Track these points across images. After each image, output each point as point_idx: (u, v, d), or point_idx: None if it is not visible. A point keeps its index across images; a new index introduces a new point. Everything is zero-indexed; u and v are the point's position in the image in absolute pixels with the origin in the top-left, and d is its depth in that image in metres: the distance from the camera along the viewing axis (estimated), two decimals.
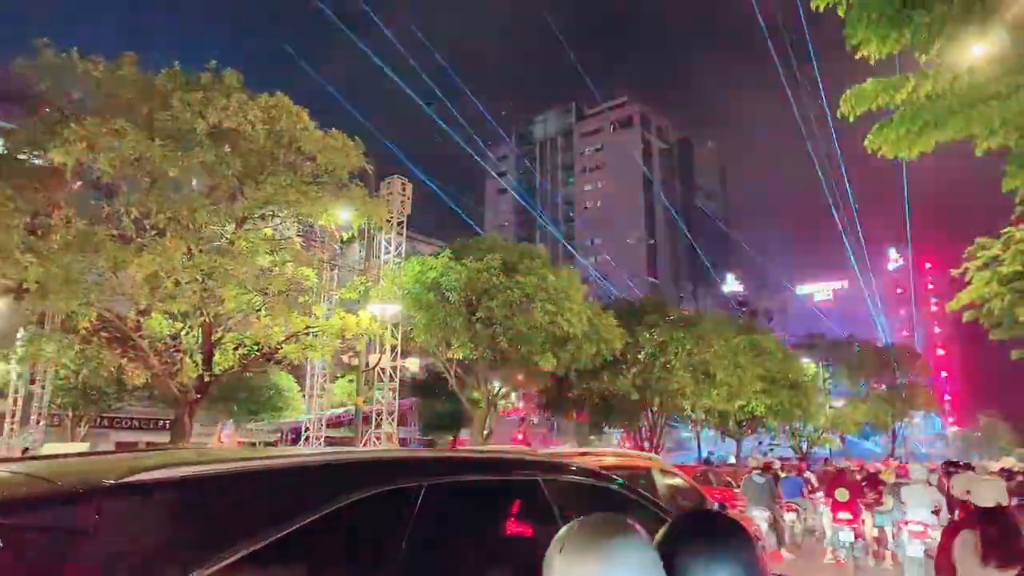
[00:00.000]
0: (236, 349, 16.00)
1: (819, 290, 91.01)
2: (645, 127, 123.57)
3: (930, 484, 10.28)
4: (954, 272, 24.89)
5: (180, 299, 13.56)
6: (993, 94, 7.50)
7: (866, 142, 8.55)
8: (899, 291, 76.66)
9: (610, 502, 2.78)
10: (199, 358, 14.71)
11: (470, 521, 2.20)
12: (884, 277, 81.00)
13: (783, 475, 16.79)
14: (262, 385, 41.89)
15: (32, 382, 25.90)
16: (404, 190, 20.60)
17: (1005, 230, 23.24)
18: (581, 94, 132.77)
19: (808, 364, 46.98)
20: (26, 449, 19.92)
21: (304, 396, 49.14)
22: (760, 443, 47.41)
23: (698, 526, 1.69)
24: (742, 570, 1.52)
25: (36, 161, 13.60)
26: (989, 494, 4.46)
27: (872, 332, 64.60)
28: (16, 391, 26.56)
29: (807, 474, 18.24)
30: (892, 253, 79.41)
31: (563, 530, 1.47)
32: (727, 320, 32.80)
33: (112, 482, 1.38)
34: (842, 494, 12.05)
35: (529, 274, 19.61)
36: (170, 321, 15.13)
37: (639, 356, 25.78)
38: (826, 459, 34.58)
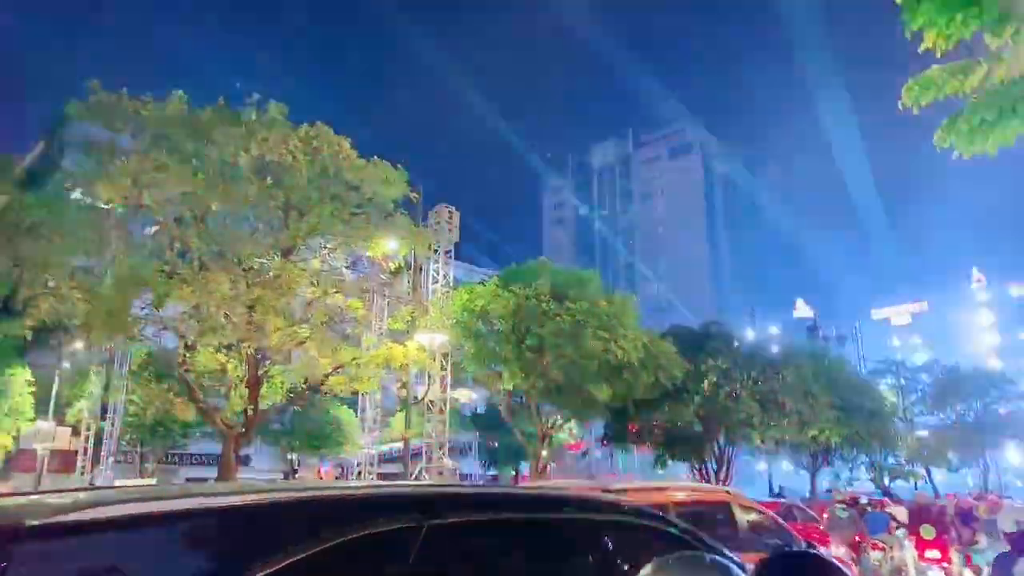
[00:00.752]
0: (283, 383, 15.92)
1: (897, 314, 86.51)
2: (705, 152, 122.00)
3: None
4: None
5: (224, 331, 13.52)
6: None
7: (936, 138, 7.72)
8: (985, 313, 72.16)
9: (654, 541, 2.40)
10: (244, 392, 14.60)
11: (484, 567, 1.93)
12: (968, 298, 76.48)
13: (869, 510, 15.56)
14: (323, 420, 42.24)
15: (103, 419, 26.64)
16: (451, 219, 20.40)
17: None
18: (638, 121, 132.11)
19: (886, 391, 44.39)
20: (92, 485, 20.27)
21: (363, 430, 49.65)
22: (838, 476, 44.86)
23: (790, 567, 1.62)
24: None
25: (87, 200, 13.91)
26: None
27: (956, 357, 60.69)
28: (88, 428, 27.36)
29: (892, 509, 16.75)
30: (975, 272, 74.96)
31: (647, 570, 1.48)
32: (795, 347, 31.15)
33: (29, 524, 1.29)
34: (927, 531, 11.50)
35: (580, 300, 18.97)
36: (218, 355, 15.15)
37: (702, 385, 24.61)
38: (933, 495, 32.18)
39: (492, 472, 62.28)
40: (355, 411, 48.28)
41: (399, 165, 15.57)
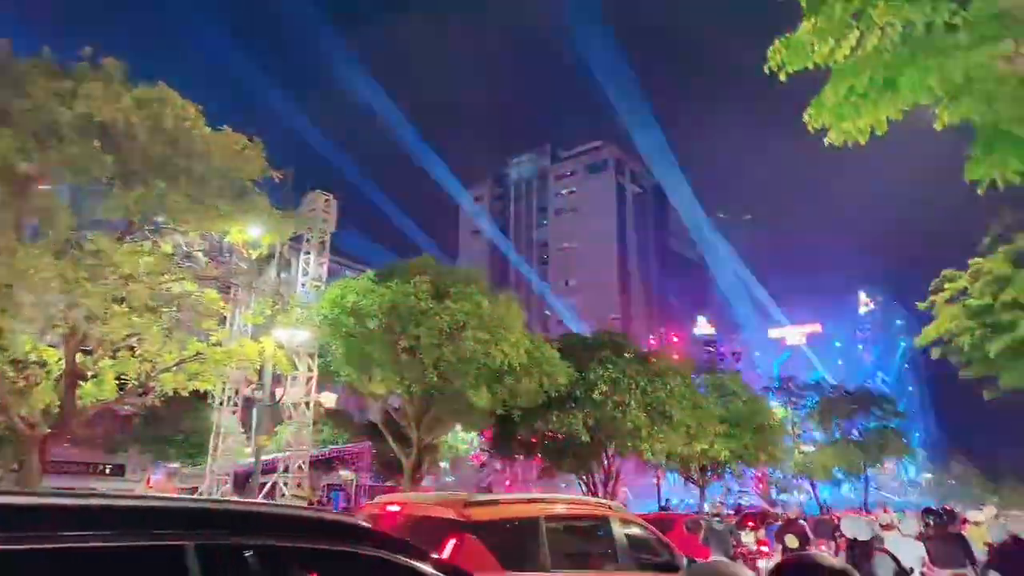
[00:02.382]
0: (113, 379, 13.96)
1: (791, 334, 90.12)
2: (619, 171, 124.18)
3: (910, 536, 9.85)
4: (921, 305, 23.57)
5: (31, 310, 11.59)
6: (952, 44, 6.00)
7: (806, 117, 6.96)
8: (868, 333, 75.91)
9: None
10: (51, 384, 12.60)
11: None
12: (856, 320, 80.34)
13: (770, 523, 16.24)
14: (201, 427, 39.34)
15: None
16: (328, 206, 18.83)
17: (973, 261, 22.06)
18: (556, 138, 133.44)
19: (777, 407, 45.41)
20: None
21: (248, 438, 46.74)
22: (729, 490, 45.43)
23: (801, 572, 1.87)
24: None
25: None
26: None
27: (843, 376, 63.33)
28: None
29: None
30: (862, 296, 78.84)
31: None
32: (688, 358, 31.08)
33: None
34: (791, 541, 11.60)
35: (461, 299, 17.81)
36: (31, 343, 13.10)
37: (591, 395, 23.88)
38: (827, 508, 32.70)
39: (390, 484, 60.24)
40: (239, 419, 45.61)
41: (255, 138, 14.01)
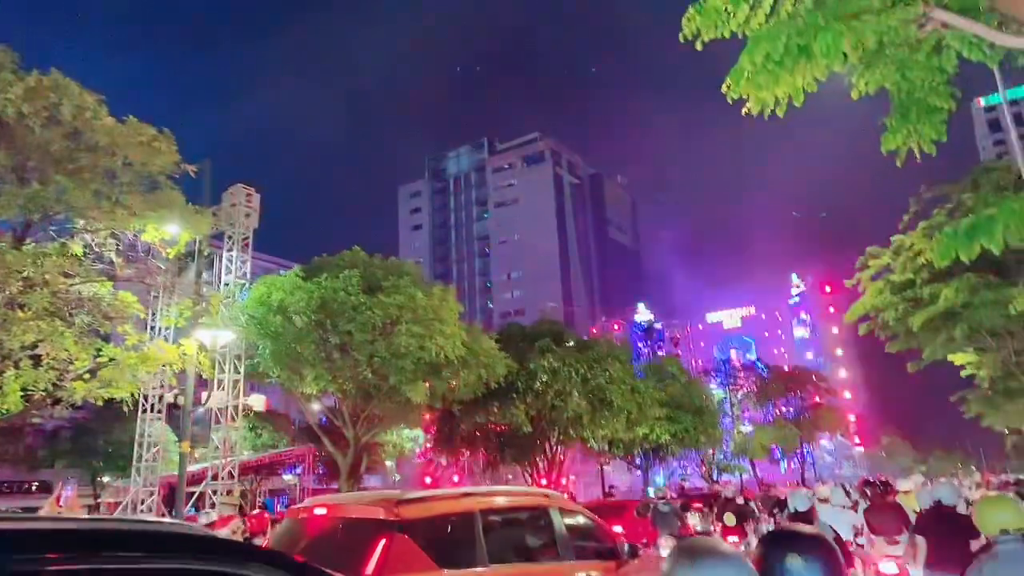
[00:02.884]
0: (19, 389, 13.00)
1: (727, 317, 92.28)
2: (556, 162, 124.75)
3: (844, 507, 10.40)
4: (848, 283, 24.25)
5: None
6: (866, 7, 5.93)
7: (724, 87, 6.81)
8: (803, 315, 78.27)
9: None
10: None
11: None
12: (789, 302, 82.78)
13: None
14: (129, 437, 37.59)
15: None
16: (250, 201, 18.03)
17: (895, 237, 22.77)
18: (494, 131, 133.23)
19: (715, 390, 46.33)
20: None
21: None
22: (672, 474, 46.13)
23: (786, 539, 1.94)
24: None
25: None
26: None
27: (778, 357, 65.21)
28: None
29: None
30: (794, 278, 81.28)
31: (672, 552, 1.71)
32: (626, 344, 31.28)
33: None
34: (729, 519, 11.96)
35: (394, 293, 17.33)
36: None
37: (532, 385, 23.73)
38: (767, 485, 33.36)
39: (336, 486, 58.99)
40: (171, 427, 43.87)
41: (165, 130, 13.23)
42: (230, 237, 17.49)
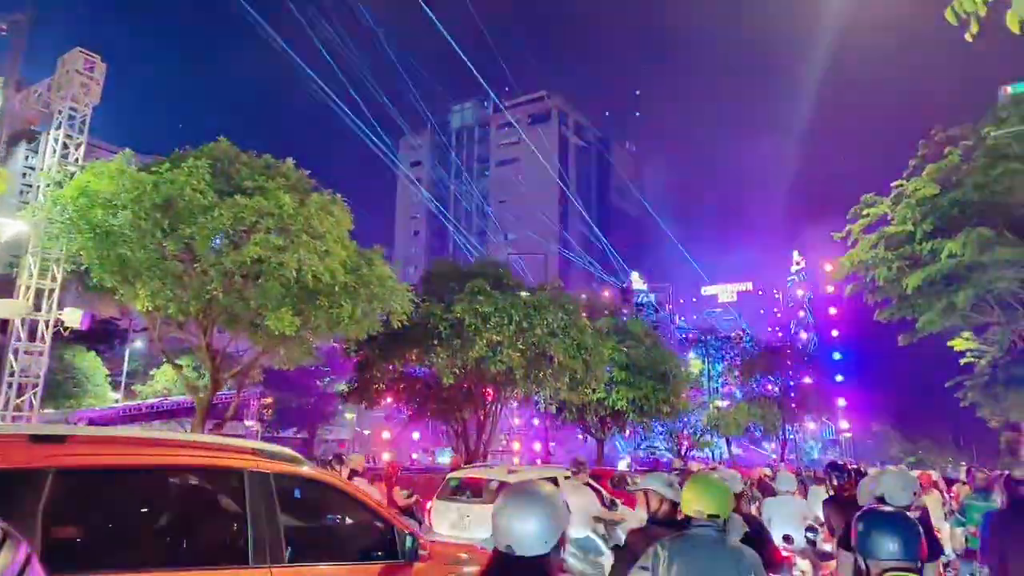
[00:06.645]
0: None
1: (724, 291, 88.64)
2: (563, 122, 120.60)
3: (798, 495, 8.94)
4: (836, 236, 20.61)
5: None
6: None
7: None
8: (800, 292, 74.60)
9: None
10: None
11: None
12: (787, 279, 79.04)
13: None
14: (53, 368, 34.60)
15: None
16: (93, 72, 14.46)
17: (896, 183, 19.10)
18: (501, 87, 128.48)
19: (693, 360, 43.02)
20: None
21: (119, 381, 41.98)
22: (638, 447, 43.09)
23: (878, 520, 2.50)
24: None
25: None
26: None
27: (771, 335, 61.75)
28: None
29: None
30: (795, 255, 77.38)
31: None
32: (577, 295, 27.78)
33: None
34: None
35: (256, 194, 13.84)
36: None
37: (461, 332, 20.36)
38: (737, 465, 30.22)
39: (287, 435, 56.21)
40: (102, 358, 40.75)
41: None
42: (60, 112, 13.95)
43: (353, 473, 9.83)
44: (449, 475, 12.61)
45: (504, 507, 2.15)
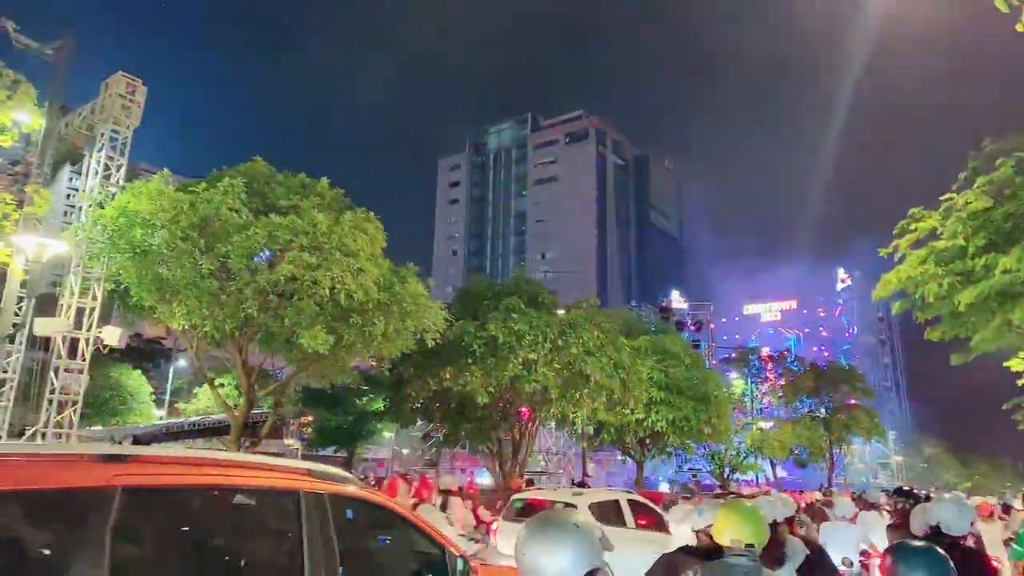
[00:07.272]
0: None
1: (767, 310, 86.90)
2: (600, 141, 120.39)
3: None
4: (882, 252, 19.89)
5: None
6: None
7: None
8: (847, 312, 72.65)
9: None
10: None
11: None
12: (833, 297, 77.14)
13: None
14: (100, 386, 35.39)
15: None
16: (134, 95, 14.82)
17: (945, 197, 18.40)
18: (539, 107, 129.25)
19: (735, 380, 42.04)
20: None
21: (163, 399, 42.81)
22: (679, 469, 42.06)
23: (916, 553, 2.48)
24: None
25: None
26: None
27: (817, 355, 60.13)
28: None
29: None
30: (840, 273, 75.49)
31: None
32: (612, 312, 27.34)
33: None
34: None
35: (290, 213, 13.94)
36: None
37: (496, 350, 20.15)
38: (823, 487, 29.28)
39: (327, 453, 56.34)
40: (148, 378, 41.58)
41: None
42: (102, 134, 14.30)
43: (447, 493, 9.88)
44: (514, 496, 12.46)
45: (528, 540, 1.87)
